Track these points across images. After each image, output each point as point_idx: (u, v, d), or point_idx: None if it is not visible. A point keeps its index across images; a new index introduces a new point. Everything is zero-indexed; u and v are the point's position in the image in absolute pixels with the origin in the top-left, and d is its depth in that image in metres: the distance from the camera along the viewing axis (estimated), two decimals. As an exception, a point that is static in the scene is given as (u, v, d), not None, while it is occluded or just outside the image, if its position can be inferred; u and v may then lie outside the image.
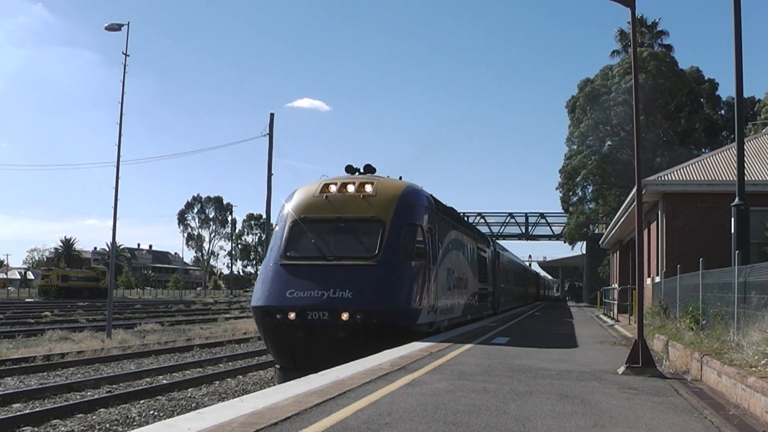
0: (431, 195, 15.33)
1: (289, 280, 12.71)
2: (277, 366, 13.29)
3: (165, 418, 10.21)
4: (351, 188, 13.84)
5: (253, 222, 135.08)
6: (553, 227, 64.33)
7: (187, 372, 16.33)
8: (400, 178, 15.13)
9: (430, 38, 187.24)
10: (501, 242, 46.38)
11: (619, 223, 26.67)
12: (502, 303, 29.52)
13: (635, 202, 10.93)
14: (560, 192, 48.50)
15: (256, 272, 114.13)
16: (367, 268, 12.69)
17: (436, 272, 14.55)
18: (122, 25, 25.96)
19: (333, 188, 13.93)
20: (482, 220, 63.57)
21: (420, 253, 13.52)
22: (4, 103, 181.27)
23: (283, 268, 12.99)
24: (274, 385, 10.97)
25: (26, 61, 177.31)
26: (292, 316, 12.28)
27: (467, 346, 12.44)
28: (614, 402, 6.94)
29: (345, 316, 12.06)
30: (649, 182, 19.11)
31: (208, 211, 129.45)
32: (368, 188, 13.77)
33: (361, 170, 15.12)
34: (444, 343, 12.63)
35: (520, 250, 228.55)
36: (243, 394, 11.09)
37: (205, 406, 9.65)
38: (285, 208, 14.22)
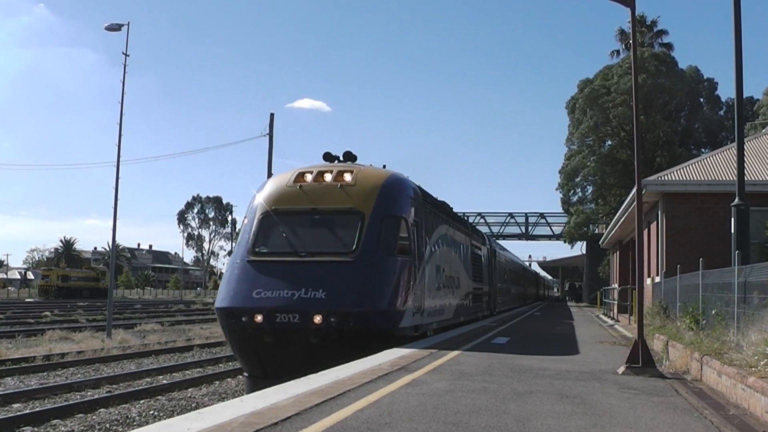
0: (419, 186, 14.17)
1: (257, 279, 11.50)
2: (245, 374, 12.17)
3: (165, 418, 10.22)
4: (328, 177, 12.62)
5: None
6: (553, 227, 64.34)
7: (187, 372, 16.34)
8: (384, 166, 14.08)
9: (430, 39, 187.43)
10: (501, 242, 46.39)
11: (619, 223, 26.68)
12: (499, 303, 28.91)
13: (635, 202, 10.93)
14: (560, 192, 48.40)
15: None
16: (344, 265, 11.51)
17: (423, 270, 13.36)
18: (122, 25, 26.02)
19: (308, 177, 12.70)
20: (482, 220, 63.59)
21: (403, 248, 12.30)
22: (6, 104, 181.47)
23: (250, 265, 11.79)
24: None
25: (29, 61, 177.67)
26: (259, 318, 11.06)
27: (467, 345, 12.43)
28: (614, 402, 6.94)
29: (318, 318, 10.89)
30: (649, 182, 19.12)
31: (208, 211, 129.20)
32: (347, 177, 12.53)
33: (341, 158, 13.91)
34: (441, 345, 12.51)
35: (520, 250, 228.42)
36: (243, 394, 11.08)
37: (205, 406, 9.66)
38: (255, 199, 12.92)
